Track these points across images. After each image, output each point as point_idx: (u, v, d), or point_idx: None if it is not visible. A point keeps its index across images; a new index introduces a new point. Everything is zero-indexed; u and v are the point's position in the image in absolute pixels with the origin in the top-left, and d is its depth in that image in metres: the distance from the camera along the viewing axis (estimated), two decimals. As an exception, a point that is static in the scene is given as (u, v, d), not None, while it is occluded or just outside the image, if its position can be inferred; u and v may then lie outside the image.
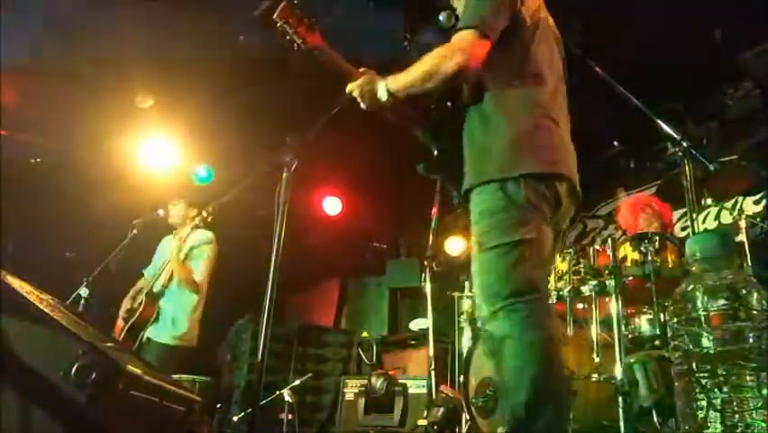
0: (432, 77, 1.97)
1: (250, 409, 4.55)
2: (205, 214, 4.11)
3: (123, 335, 4.00)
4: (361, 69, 2.18)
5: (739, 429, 1.83)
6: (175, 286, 4.15)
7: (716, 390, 1.90)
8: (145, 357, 3.91)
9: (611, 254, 3.28)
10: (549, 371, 1.79)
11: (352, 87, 2.15)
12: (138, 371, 1.73)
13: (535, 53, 2.08)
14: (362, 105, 2.16)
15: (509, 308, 1.83)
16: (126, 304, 4.17)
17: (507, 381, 1.84)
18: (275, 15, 2.15)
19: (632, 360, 2.96)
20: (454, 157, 2.11)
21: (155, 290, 4.12)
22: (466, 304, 4.57)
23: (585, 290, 3.39)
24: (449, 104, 2.19)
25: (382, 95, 2.08)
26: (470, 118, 2.11)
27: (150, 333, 4.05)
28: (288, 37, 2.19)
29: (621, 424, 2.80)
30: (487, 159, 2.00)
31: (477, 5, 1.99)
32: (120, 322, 4.11)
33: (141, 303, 4.07)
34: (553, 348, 1.83)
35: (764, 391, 1.83)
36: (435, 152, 2.18)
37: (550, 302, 1.95)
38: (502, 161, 1.96)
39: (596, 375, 3.11)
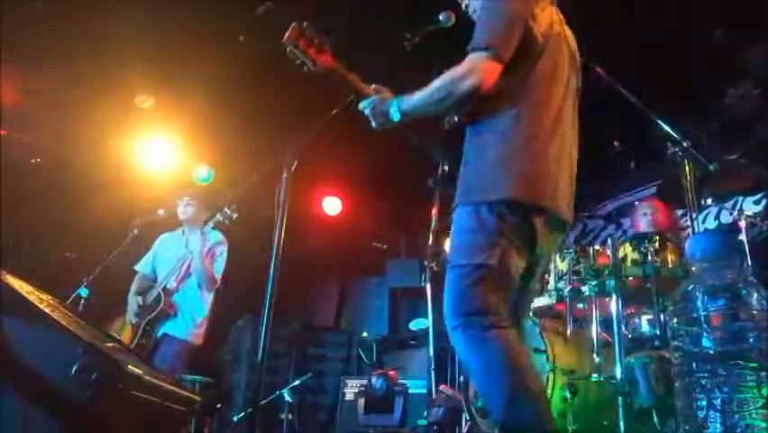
0: (445, 99, 1.97)
1: (250, 410, 4.55)
2: (228, 211, 4.11)
3: (140, 332, 3.98)
4: (373, 86, 2.17)
5: (739, 429, 1.83)
6: (193, 284, 4.14)
7: (716, 390, 1.90)
8: (160, 351, 3.94)
9: (611, 254, 3.29)
10: (515, 373, 1.81)
11: (364, 106, 2.15)
12: (138, 371, 1.73)
13: (540, 73, 2.04)
14: (373, 124, 2.16)
15: (464, 326, 1.88)
16: (137, 301, 4.14)
17: (480, 390, 1.89)
18: (284, 39, 2.11)
19: (632, 360, 2.96)
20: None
21: (169, 286, 4.11)
22: (466, 304, 4.56)
23: (585, 290, 3.39)
24: (456, 119, 2.18)
25: (394, 114, 2.08)
26: (467, 136, 2.12)
27: (168, 329, 4.03)
28: (298, 61, 2.15)
29: (621, 424, 2.81)
30: (470, 180, 2.03)
31: (491, 24, 1.97)
32: (132, 318, 4.08)
33: (157, 298, 4.05)
34: (514, 353, 1.84)
35: (764, 391, 1.83)
36: (446, 167, 2.20)
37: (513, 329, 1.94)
38: (482, 184, 1.98)
39: (596, 375, 3.11)
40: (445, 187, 2.23)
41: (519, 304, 2.09)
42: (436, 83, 1.99)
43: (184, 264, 4.16)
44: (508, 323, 1.91)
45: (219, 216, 4.10)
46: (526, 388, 1.79)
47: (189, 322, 4.08)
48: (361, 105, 2.16)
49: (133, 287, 4.30)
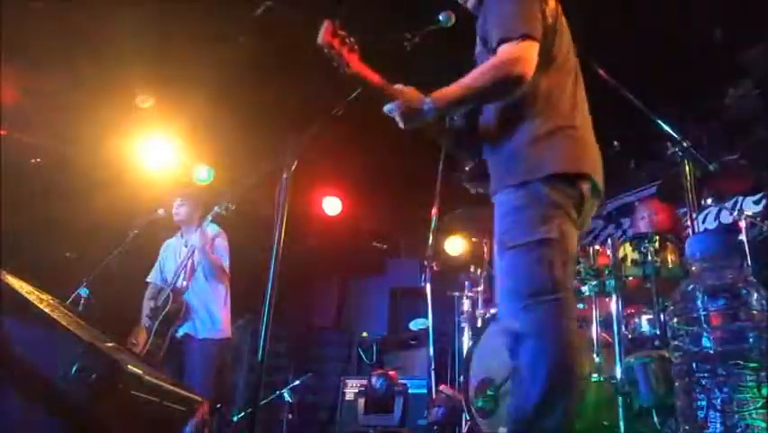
0: (491, 89, 1.93)
1: (250, 410, 4.56)
2: (229, 204, 4.10)
3: (152, 334, 3.99)
4: (398, 86, 2.06)
5: (739, 429, 1.83)
6: (201, 279, 4.15)
7: (716, 390, 1.90)
8: (187, 354, 3.96)
9: (611, 254, 3.29)
10: (563, 372, 1.76)
11: (391, 108, 2.04)
12: (138, 371, 1.73)
13: (556, 54, 2.05)
14: (401, 125, 2.05)
15: (529, 307, 1.82)
16: (149, 304, 4.15)
17: (520, 377, 1.83)
18: (320, 39, 1.92)
19: (632, 360, 2.96)
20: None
21: (178, 285, 4.12)
22: (466, 304, 4.57)
23: (585, 290, 3.39)
24: (456, 119, 2.15)
25: (428, 112, 1.98)
26: (491, 123, 2.08)
27: (188, 329, 4.05)
28: (334, 63, 1.97)
29: (621, 424, 2.81)
30: (510, 163, 1.98)
31: (514, 11, 1.95)
32: (145, 322, 4.08)
33: (168, 298, 4.06)
34: (570, 351, 1.80)
35: (764, 391, 1.83)
36: (472, 163, 2.13)
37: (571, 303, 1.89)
38: (526, 164, 1.94)
39: (596, 375, 3.11)
40: (479, 184, 2.15)
41: None
42: (476, 76, 1.93)
43: (188, 263, 4.17)
44: (571, 310, 1.84)
45: (217, 209, 4.09)
46: (561, 395, 1.75)
47: (206, 319, 4.08)
48: (387, 108, 2.05)
49: (147, 295, 4.32)
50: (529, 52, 1.90)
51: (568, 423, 1.75)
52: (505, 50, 1.90)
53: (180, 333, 4.04)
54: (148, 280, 4.40)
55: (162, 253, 4.46)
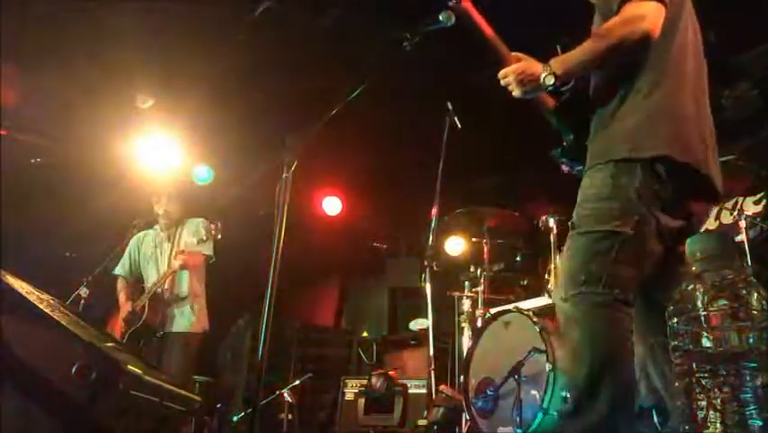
0: (614, 48, 1.83)
1: (250, 410, 4.55)
2: (211, 228, 4.07)
3: (125, 337, 3.97)
4: (514, 54, 2.01)
5: (739, 429, 1.83)
6: (185, 279, 4.13)
7: (716, 390, 1.90)
8: (164, 349, 3.96)
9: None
10: (607, 366, 1.71)
11: (507, 73, 1.97)
12: (138, 371, 1.73)
13: (678, 33, 1.96)
14: (516, 93, 1.97)
15: (581, 296, 1.77)
16: (127, 307, 4.14)
17: (566, 365, 1.81)
18: None
19: (632, 360, 2.95)
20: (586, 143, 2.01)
21: (158, 291, 4.09)
22: (466, 304, 4.57)
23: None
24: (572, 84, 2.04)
25: (547, 80, 1.89)
26: (601, 98, 1.99)
27: (167, 328, 4.04)
28: None
29: (621, 424, 2.80)
30: (614, 138, 1.89)
31: None
32: (121, 324, 4.08)
33: (143, 307, 4.04)
34: (618, 346, 1.74)
35: (764, 392, 1.83)
36: (572, 137, 2.07)
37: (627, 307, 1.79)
38: (629, 141, 1.84)
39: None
40: (570, 158, 2.09)
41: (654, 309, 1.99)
42: (600, 34, 1.87)
43: (162, 265, 4.15)
44: (632, 305, 1.78)
45: (204, 232, 4.02)
46: (604, 388, 1.69)
47: (188, 314, 4.08)
48: (503, 73, 1.98)
49: (121, 292, 4.27)
50: (655, 11, 1.82)
51: (615, 419, 1.69)
52: (629, 7, 1.83)
53: (160, 333, 4.03)
54: (116, 273, 4.33)
55: (136, 246, 4.37)
